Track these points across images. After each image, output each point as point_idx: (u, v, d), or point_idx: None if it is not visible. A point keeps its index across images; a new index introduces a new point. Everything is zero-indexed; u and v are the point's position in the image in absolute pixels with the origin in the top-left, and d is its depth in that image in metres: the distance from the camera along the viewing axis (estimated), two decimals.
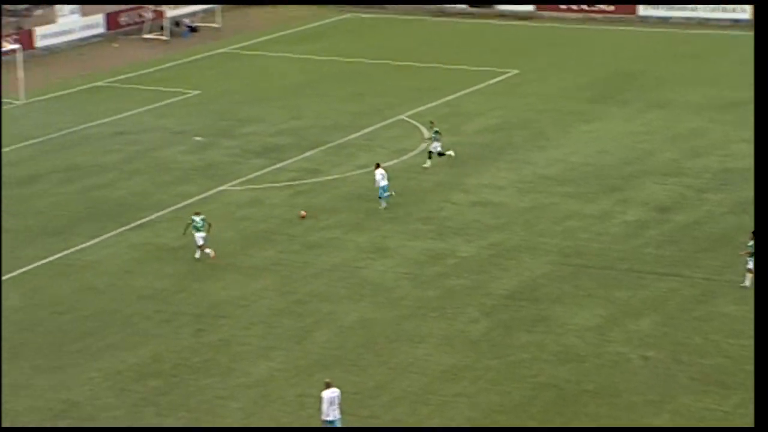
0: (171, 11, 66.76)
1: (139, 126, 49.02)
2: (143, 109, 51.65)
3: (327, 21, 71.32)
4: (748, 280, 31.89)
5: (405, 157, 44.77)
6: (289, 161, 44.51)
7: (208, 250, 34.98)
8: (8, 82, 53.53)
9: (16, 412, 26.76)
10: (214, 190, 41.28)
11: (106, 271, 34.36)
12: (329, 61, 61.32)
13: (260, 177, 42.81)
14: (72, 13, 64.20)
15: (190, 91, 54.87)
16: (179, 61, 61.12)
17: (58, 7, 64.09)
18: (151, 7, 66.36)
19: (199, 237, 34.94)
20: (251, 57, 62.64)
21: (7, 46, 57.06)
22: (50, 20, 63.83)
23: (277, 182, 42.24)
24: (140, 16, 67.35)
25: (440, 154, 42.98)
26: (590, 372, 28.08)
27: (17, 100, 52.22)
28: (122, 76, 57.57)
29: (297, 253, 35.83)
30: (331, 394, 24.98)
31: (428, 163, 42.95)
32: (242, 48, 64.39)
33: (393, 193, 39.30)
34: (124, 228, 37.63)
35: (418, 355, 29.20)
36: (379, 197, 38.90)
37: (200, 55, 62.73)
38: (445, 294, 32.72)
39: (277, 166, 44.00)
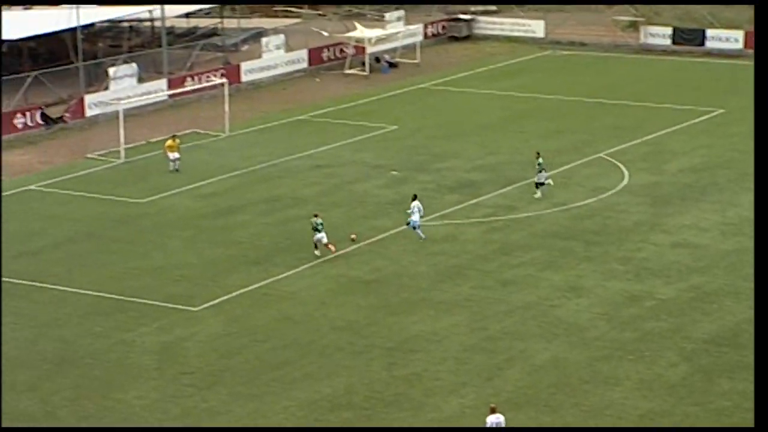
0: (372, 47, 67.80)
1: (338, 159, 49.82)
2: (342, 142, 52.49)
3: (526, 58, 71.07)
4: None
5: (603, 196, 44.04)
6: (485, 197, 44.38)
7: (331, 246, 37.96)
8: (215, 116, 55.29)
9: None
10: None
11: (303, 302, 34.92)
12: (527, 97, 61.03)
13: (455, 212, 42.82)
14: (277, 48, 65.94)
15: (388, 125, 55.49)
16: (378, 96, 61.94)
17: (264, 42, 65.93)
18: (353, 42, 67.53)
19: (320, 237, 37.93)
20: (449, 93, 62.93)
21: (215, 81, 59.06)
22: (256, 55, 65.73)
23: (472, 218, 42.16)
24: (342, 51, 68.63)
25: (541, 183, 43.71)
26: None
27: (222, 132, 53.87)
28: (322, 111, 58.72)
29: (490, 289, 35.61)
30: (495, 419, 24.68)
31: (539, 194, 43.55)
32: (440, 84, 64.79)
33: (423, 237, 39.36)
34: (320, 260, 38.18)
35: (614, 398, 28.50)
36: (414, 228, 39.39)
37: (399, 90, 63.43)
38: (643, 336, 31.90)
39: (472, 201, 43.93)
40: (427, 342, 32.01)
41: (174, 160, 47.84)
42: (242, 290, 35.78)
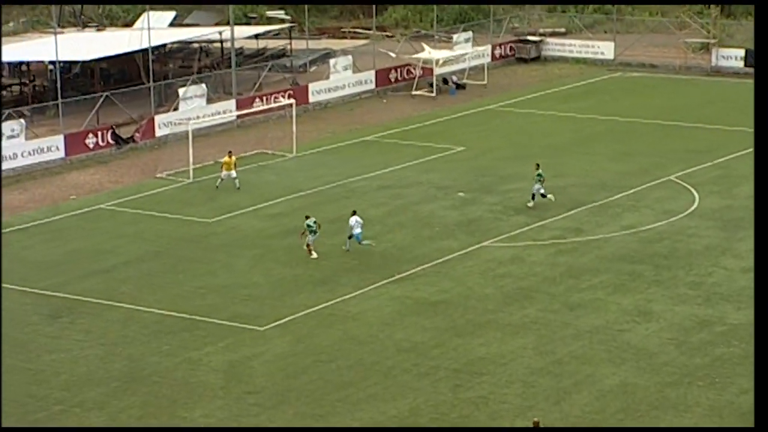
0: (439, 69, 67.81)
1: (404, 180, 49.79)
2: (409, 163, 52.47)
3: (595, 79, 70.63)
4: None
5: (673, 219, 43.52)
6: (552, 219, 44.06)
7: (314, 254, 39.24)
8: (282, 136, 55.60)
9: None
10: (475, 246, 41.30)
11: (368, 323, 34.87)
12: (596, 119, 60.60)
13: (521, 234, 42.56)
14: (344, 69, 66.20)
15: (454, 146, 55.39)
16: (445, 118, 61.88)
17: (332, 63, 66.24)
18: (421, 63, 67.59)
19: (311, 239, 39.47)
20: (517, 114, 62.71)
21: (282, 101, 59.41)
22: (324, 76, 66.05)
23: (539, 240, 41.87)
24: (409, 72, 68.71)
25: (543, 195, 44.65)
26: None
27: (289, 153, 54.13)
28: (389, 131, 58.78)
29: (557, 312, 35.29)
30: None
31: (531, 203, 45.01)
32: (508, 105, 64.59)
33: (372, 244, 40.24)
34: (386, 281, 38.13)
35: (684, 425, 28.03)
36: (359, 242, 39.96)
37: (466, 111, 63.32)
38: (713, 362, 31.40)
39: (539, 223, 43.63)
40: (493, 364, 31.78)
41: (233, 178, 48.26)
42: (308, 310, 35.83)
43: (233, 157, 48.93)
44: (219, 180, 48.58)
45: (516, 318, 34.92)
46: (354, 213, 40.68)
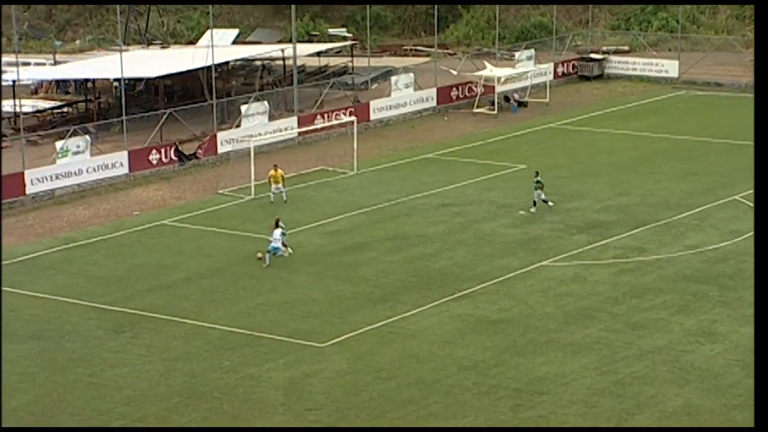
0: (501, 86, 67.63)
1: (464, 198, 49.64)
2: (469, 181, 52.31)
3: (658, 98, 70.03)
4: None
5: (738, 239, 42.92)
6: (614, 238, 43.65)
7: (264, 255, 40.90)
8: (343, 153, 55.72)
9: None
10: (536, 265, 41.02)
11: (428, 340, 34.73)
12: (660, 138, 60.03)
13: (583, 253, 42.20)
14: (406, 87, 66.26)
15: (516, 164, 55.13)
16: (506, 135, 61.66)
17: (393, 80, 66.31)
18: (482, 81, 67.46)
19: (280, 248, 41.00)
20: (579, 132, 62.33)
21: (344, 119, 59.57)
22: (385, 94, 66.14)
23: (601, 259, 41.48)
24: (471, 90, 68.61)
25: (544, 201, 46.69)
26: None
27: (350, 170, 54.22)
28: (450, 149, 58.68)
29: (619, 332, 34.91)
30: None
31: (534, 209, 46.55)
32: (570, 123, 64.22)
33: (290, 251, 41.58)
34: (446, 298, 37.99)
35: None
36: (274, 254, 41.05)
37: (527, 129, 63.06)
38: None
39: (602, 242, 43.25)
40: (554, 384, 31.50)
41: (280, 192, 48.72)
42: (368, 327, 35.77)
43: (279, 171, 49.29)
44: (271, 195, 48.99)
45: (577, 337, 34.59)
46: (277, 224, 41.61)
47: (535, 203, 46.78)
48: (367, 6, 72.71)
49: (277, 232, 41.26)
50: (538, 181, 46.83)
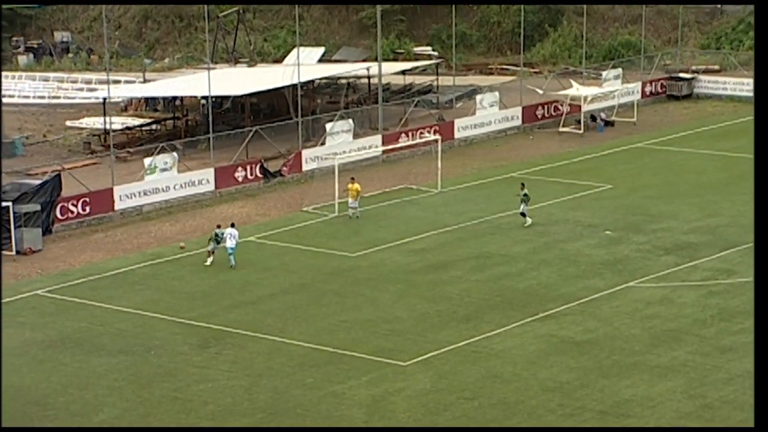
0: (587, 105, 67.08)
1: (549, 217, 49.23)
2: (554, 200, 51.89)
3: (749, 118, 68.79)
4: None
5: None
6: (703, 260, 42.93)
7: (211, 258, 43.29)
8: (427, 171, 55.66)
9: None
10: (622, 286, 40.51)
11: (512, 361, 34.44)
12: (751, 158, 58.83)
13: (671, 275, 41.57)
14: (491, 105, 66.05)
15: (602, 184, 54.57)
16: (593, 155, 61.09)
17: (478, 99, 66.17)
18: (568, 100, 66.98)
19: (213, 248, 43.35)
20: (667, 152, 61.52)
21: (428, 137, 59.53)
22: (470, 112, 66.00)
23: (689, 281, 40.82)
24: (557, 109, 68.16)
25: (522, 214, 47.17)
26: None
27: (434, 188, 54.12)
28: (535, 168, 58.28)
29: (708, 355, 34.27)
30: None
31: (529, 221, 47.09)
32: (658, 143, 63.41)
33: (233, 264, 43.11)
34: (530, 318, 37.66)
35: None
36: (229, 255, 43.09)
37: (614, 149, 62.40)
38: None
39: (690, 264, 42.57)
40: (640, 407, 31.00)
41: (353, 208, 49.16)
42: (451, 346, 35.59)
43: (356, 184, 49.51)
44: (350, 210, 49.22)
45: (664, 360, 34.03)
46: (232, 225, 43.97)
47: (523, 215, 47.26)
48: (453, 24, 72.66)
49: (228, 231, 43.57)
50: (525, 194, 47.22)
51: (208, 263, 43.36)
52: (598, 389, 32.24)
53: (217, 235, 43.70)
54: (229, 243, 43.09)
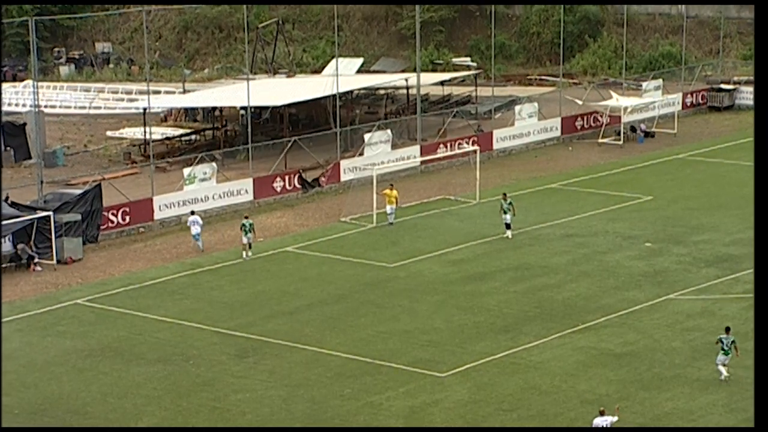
0: (627, 116, 66.71)
1: (589, 229, 48.95)
2: (594, 212, 51.60)
3: None
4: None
5: None
6: (745, 272, 42.49)
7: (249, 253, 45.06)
8: (466, 182, 55.53)
9: None
10: (663, 298, 40.19)
11: (551, 373, 34.22)
12: None
13: (712, 287, 41.20)
14: (529, 116, 65.86)
15: (642, 195, 54.22)
16: (633, 166, 60.72)
17: (517, 110, 65.99)
18: (608, 111, 66.66)
19: (246, 239, 45.06)
20: (708, 164, 61.06)
21: (467, 148, 59.41)
22: (509, 123, 65.83)
23: (731, 293, 40.43)
24: (596, 120, 67.84)
25: (507, 225, 47.17)
26: None
27: (473, 199, 53.98)
28: (574, 179, 58.01)
29: (750, 369, 33.80)
30: (602, 421, 27.05)
31: (508, 233, 47.12)
32: (699, 154, 62.96)
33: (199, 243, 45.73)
34: (569, 330, 37.42)
35: None
36: (196, 240, 46.18)
37: (654, 160, 62.00)
38: None
39: (731, 276, 42.17)
40: (681, 420, 30.70)
41: (391, 213, 49.42)
42: (489, 358, 35.42)
43: (394, 191, 49.61)
44: (389, 217, 49.34)
45: (705, 373, 33.69)
46: (192, 213, 47.34)
47: (508, 226, 47.20)
48: (492, 35, 72.56)
49: (193, 218, 46.74)
50: (509, 203, 47.33)
51: (248, 256, 45.25)
52: (638, 402, 31.96)
53: (244, 225, 45.66)
54: (194, 229, 46.18)
